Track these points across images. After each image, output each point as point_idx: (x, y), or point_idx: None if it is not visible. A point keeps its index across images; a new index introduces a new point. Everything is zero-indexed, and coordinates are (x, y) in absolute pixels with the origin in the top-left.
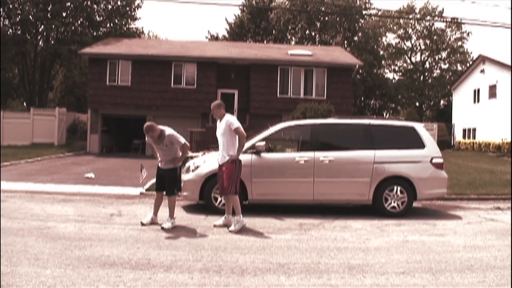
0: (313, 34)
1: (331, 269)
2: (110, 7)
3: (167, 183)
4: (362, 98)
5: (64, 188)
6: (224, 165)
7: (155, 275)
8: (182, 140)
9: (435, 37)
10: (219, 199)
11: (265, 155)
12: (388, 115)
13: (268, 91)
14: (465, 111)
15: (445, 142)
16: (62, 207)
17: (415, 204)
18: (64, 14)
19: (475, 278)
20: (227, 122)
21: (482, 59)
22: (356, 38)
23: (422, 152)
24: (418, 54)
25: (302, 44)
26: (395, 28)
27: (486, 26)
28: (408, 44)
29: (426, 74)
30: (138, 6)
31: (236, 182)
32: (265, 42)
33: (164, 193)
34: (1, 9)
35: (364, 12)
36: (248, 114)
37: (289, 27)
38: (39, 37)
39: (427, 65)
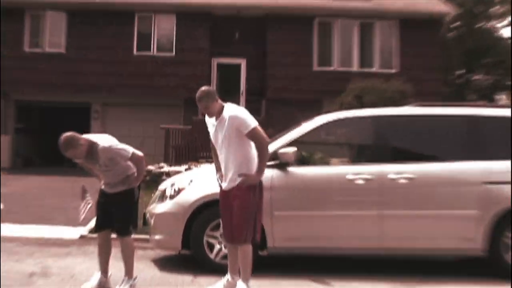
0: None
1: None
2: None
3: (117, 216)
4: (461, 71)
5: None
6: (234, 192)
7: None
8: (129, 150)
9: None
10: (218, 246)
11: (296, 170)
12: (507, 99)
13: (297, 61)
14: None
15: None
16: None
17: None
18: None
19: None
20: (233, 122)
21: None
22: None
23: None
24: None
25: None
26: None
27: None
28: None
29: None
30: None
31: (255, 222)
32: None
33: (113, 233)
34: None
35: None
36: (263, 100)
37: None
38: None
39: None
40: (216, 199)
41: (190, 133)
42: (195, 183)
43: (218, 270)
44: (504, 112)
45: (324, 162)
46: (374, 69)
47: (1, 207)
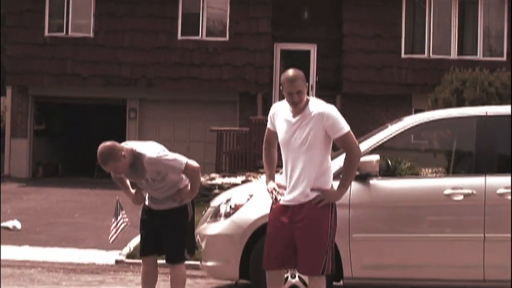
0: None
1: None
2: None
3: (168, 239)
4: None
5: None
6: (306, 211)
7: None
8: (182, 161)
9: None
10: (285, 274)
11: (379, 183)
12: None
13: (381, 47)
14: None
15: None
16: None
17: None
18: None
19: None
20: (324, 120)
21: None
22: None
23: None
24: None
25: None
26: None
27: None
28: None
29: None
30: None
31: (332, 250)
32: None
33: (164, 259)
34: None
35: None
36: (338, 96)
37: None
38: None
39: None
40: None
41: (247, 136)
42: (256, 198)
43: None
44: None
45: (415, 173)
46: (477, 57)
47: (18, 226)
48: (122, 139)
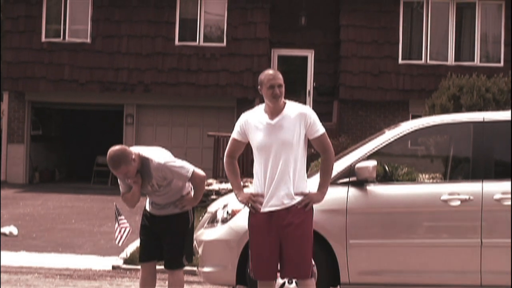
0: None
1: None
2: None
3: (168, 245)
4: None
5: None
6: (292, 214)
7: None
8: (189, 169)
9: None
10: (281, 281)
11: (376, 188)
12: None
13: (378, 52)
14: None
15: None
16: None
17: None
18: None
19: None
20: (305, 120)
21: None
22: None
23: None
24: None
25: None
26: None
27: None
28: None
29: None
30: None
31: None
32: None
33: (163, 265)
34: None
35: None
36: (335, 102)
37: None
38: None
39: None
40: None
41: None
42: None
43: None
44: None
45: (412, 178)
46: (474, 63)
47: (14, 232)
48: (119, 144)
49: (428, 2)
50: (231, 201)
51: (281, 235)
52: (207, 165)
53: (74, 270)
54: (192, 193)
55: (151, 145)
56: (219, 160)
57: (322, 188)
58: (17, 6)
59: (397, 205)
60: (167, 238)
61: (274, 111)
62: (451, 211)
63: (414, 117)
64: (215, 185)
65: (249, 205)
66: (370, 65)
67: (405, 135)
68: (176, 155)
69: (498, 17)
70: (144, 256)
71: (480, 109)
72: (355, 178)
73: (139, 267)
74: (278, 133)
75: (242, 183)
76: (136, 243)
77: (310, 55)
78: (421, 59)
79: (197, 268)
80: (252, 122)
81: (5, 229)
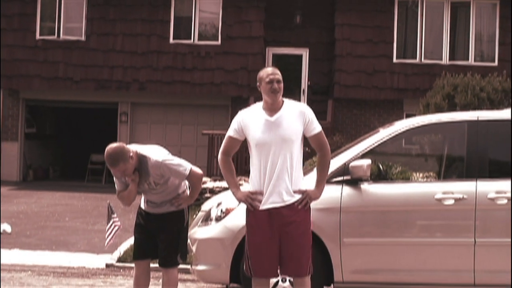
0: None
1: None
2: None
3: (163, 243)
4: None
5: None
6: (292, 212)
7: None
8: (186, 167)
9: None
10: (274, 280)
11: (370, 187)
12: None
13: (373, 51)
14: None
15: None
16: None
17: None
18: None
19: None
20: (304, 117)
21: None
22: None
23: None
24: None
25: None
26: None
27: None
28: None
29: None
30: None
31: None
32: None
33: (157, 263)
34: None
35: None
36: (330, 100)
37: None
38: None
39: None
40: None
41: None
42: None
43: None
44: None
45: (406, 177)
46: (469, 62)
47: (8, 230)
48: (115, 142)
49: (423, 2)
50: (225, 199)
51: (282, 233)
52: (202, 163)
53: (67, 268)
54: (188, 192)
55: (145, 143)
56: (214, 158)
57: (320, 185)
58: (11, 4)
59: (391, 204)
60: (162, 236)
61: (273, 108)
62: (445, 210)
63: (408, 116)
64: (209, 183)
65: (248, 203)
66: (365, 64)
67: (399, 134)
68: (170, 153)
69: (493, 16)
70: (138, 254)
71: (475, 108)
72: (349, 177)
73: (132, 265)
74: (277, 130)
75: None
76: (130, 241)
77: (305, 53)
78: (416, 58)
79: (191, 266)
80: (250, 120)
81: (0, 227)
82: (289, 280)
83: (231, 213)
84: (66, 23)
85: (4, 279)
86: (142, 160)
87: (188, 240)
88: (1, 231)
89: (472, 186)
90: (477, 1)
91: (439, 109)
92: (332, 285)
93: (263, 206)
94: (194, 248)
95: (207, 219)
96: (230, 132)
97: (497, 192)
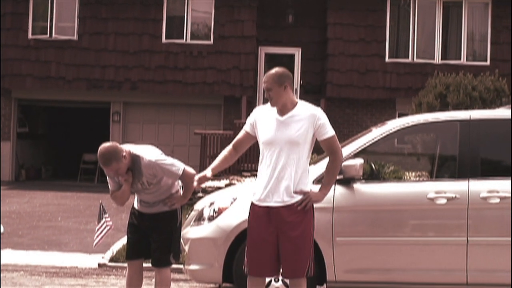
0: None
1: None
2: None
3: (156, 243)
4: None
5: None
6: (291, 213)
7: None
8: (179, 166)
9: None
10: (267, 279)
11: (363, 186)
12: None
13: (365, 51)
14: None
15: None
16: None
17: None
18: None
19: None
20: (315, 121)
21: None
22: None
23: None
24: None
25: None
26: None
27: None
28: None
29: None
30: None
31: (313, 251)
32: None
33: (150, 263)
34: None
35: None
36: (322, 100)
37: None
38: None
39: None
40: None
41: (231, 140)
42: (240, 201)
43: None
44: None
45: (398, 176)
46: (461, 61)
47: (0, 230)
48: (108, 142)
49: (415, 1)
50: (217, 199)
51: (279, 233)
52: (194, 162)
53: (60, 268)
54: (181, 192)
55: (138, 142)
56: (206, 158)
57: (324, 189)
58: (3, 3)
59: (383, 203)
60: (154, 236)
61: (284, 109)
62: (437, 209)
63: (400, 115)
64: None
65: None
66: (357, 63)
67: (391, 133)
68: (163, 153)
69: (485, 16)
70: (131, 254)
71: (467, 107)
72: (342, 176)
73: (125, 265)
74: (285, 130)
75: (229, 181)
76: (122, 241)
77: (297, 53)
78: (408, 57)
79: (184, 266)
80: (263, 116)
81: None
82: (282, 280)
83: (223, 213)
84: (58, 22)
85: None
86: (135, 159)
87: (181, 240)
88: None
89: (464, 186)
90: (469, 0)
91: (431, 109)
92: (325, 284)
93: (262, 203)
94: (186, 248)
95: (199, 218)
96: (245, 126)
97: (489, 192)
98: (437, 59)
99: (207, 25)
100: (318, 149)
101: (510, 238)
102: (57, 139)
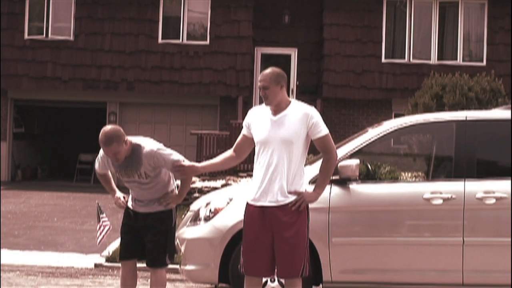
0: None
1: None
2: None
3: (151, 243)
4: None
5: None
6: (285, 213)
7: None
8: (179, 157)
9: None
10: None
11: (359, 187)
12: None
13: (361, 51)
14: None
15: None
16: None
17: None
18: None
19: None
20: (308, 120)
21: None
22: None
23: None
24: None
25: None
26: None
27: None
28: None
29: None
30: None
31: (308, 252)
32: None
33: (144, 263)
34: None
35: None
36: (318, 100)
37: None
38: None
39: None
40: None
41: (227, 140)
42: (236, 202)
43: None
44: None
45: (394, 177)
46: (457, 62)
47: None
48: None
49: (411, 2)
50: (213, 199)
51: (274, 233)
52: None
53: (56, 268)
54: (177, 191)
55: None
56: (202, 158)
57: (318, 189)
58: None
59: (379, 203)
60: (150, 236)
61: (277, 109)
62: (433, 209)
63: (397, 115)
64: (198, 183)
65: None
66: (354, 64)
67: (387, 133)
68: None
69: (481, 17)
70: (125, 254)
71: (463, 108)
72: (338, 177)
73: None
74: (278, 129)
75: (225, 181)
76: (118, 241)
77: (293, 53)
78: (404, 58)
79: (180, 266)
80: (257, 117)
81: None
82: (278, 280)
83: (219, 213)
84: (54, 22)
85: None
86: (135, 148)
87: (177, 241)
88: None
89: (460, 186)
90: (466, 1)
91: (427, 109)
92: (321, 284)
93: (256, 202)
94: (182, 248)
95: (195, 219)
96: (243, 129)
97: (485, 192)
98: (433, 60)
99: (203, 26)
100: (314, 150)
101: (505, 239)
102: (53, 139)
